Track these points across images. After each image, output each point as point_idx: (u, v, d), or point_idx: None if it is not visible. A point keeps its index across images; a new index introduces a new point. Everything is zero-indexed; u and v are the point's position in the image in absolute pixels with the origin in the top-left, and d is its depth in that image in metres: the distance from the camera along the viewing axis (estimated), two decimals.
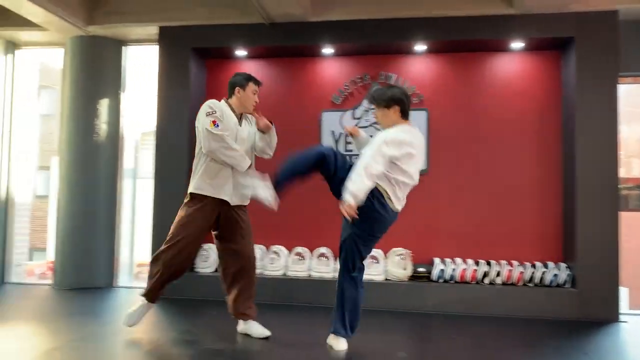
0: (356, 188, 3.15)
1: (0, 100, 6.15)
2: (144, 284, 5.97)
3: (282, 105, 5.73)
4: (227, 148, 3.47)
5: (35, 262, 8.18)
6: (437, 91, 5.51)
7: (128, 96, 6.17)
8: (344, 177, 3.29)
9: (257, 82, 3.77)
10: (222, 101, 3.71)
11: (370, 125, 5.52)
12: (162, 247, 3.61)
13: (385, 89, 3.52)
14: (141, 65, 6.65)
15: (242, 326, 3.77)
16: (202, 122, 3.52)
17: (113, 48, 5.98)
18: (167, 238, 3.61)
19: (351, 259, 3.44)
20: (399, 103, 3.42)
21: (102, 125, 5.86)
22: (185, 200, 3.67)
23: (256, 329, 3.72)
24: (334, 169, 3.39)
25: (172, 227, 3.62)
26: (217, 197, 3.56)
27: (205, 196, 3.56)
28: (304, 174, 3.49)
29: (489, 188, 5.35)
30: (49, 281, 6.24)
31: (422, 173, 5.38)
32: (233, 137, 3.59)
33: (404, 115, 3.46)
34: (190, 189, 3.61)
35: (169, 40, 5.62)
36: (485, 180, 5.36)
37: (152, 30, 5.65)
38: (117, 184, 6.03)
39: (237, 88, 3.70)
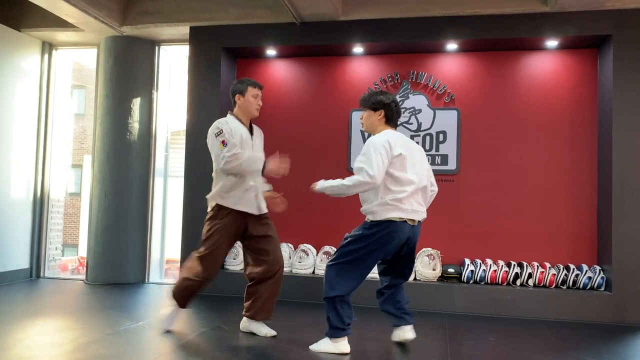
0: (332, 189, 3.38)
1: (36, 99, 6.30)
2: (173, 280, 6.10)
3: (312, 104, 5.75)
4: (240, 162, 3.49)
5: (68, 258, 8.34)
6: (468, 90, 5.44)
7: (160, 95, 6.26)
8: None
9: (256, 85, 3.72)
10: (228, 115, 3.72)
11: (401, 125, 5.48)
12: (193, 258, 3.68)
13: (376, 92, 3.53)
14: (173, 65, 6.74)
15: (247, 324, 3.78)
16: (212, 144, 3.59)
17: (146, 48, 6.08)
18: (198, 251, 3.66)
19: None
20: (384, 108, 3.44)
21: (135, 124, 5.96)
22: (210, 213, 3.69)
23: (264, 328, 3.74)
24: None
25: (201, 241, 3.67)
26: (240, 209, 3.60)
27: (228, 208, 3.60)
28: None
29: (521, 188, 5.27)
30: (82, 276, 6.38)
31: (453, 173, 5.37)
32: (248, 147, 3.64)
33: (388, 121, 3.47)
34: (213, 202, 3.65)
35: (200, 40, 5.68)
36: (517, 181, 5.28)
37: (184, 30, 5.72)
38: (149, 182, 6.13)
39: (237, 95, 3.70)
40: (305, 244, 5.51)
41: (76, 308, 4.88)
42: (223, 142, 3.49)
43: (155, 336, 3.78)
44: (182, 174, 5.73)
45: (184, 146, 5.74)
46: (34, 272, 6.29)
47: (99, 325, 4.02)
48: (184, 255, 5.57)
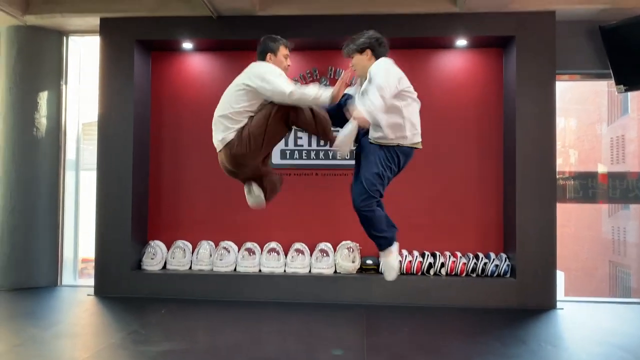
0: (373, 107, 3.09)
1: None
2: (88, 280, 5.88)
3: None
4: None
5: None
6: None
7: (70, 87, 5.96)
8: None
9: (287, 45, 3.46)
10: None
11: None
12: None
13: (354, 37, 3.41)
14: (84, 55, 6.41)
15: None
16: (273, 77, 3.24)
17: (53, 39, 5.74)
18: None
19: (381, 184, 3.37)
20: (370, 47, 3.39)
21: (42, 119, 5.64)
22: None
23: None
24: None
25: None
26: None
27: None
28: None
29: (433, 181, 5.50)
30: None
31: None
32: None
33: (378, 56, 3.41)
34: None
35: (111, 31, 5.44)
36: (430, 174, 5.50)
37: (94, 21, 5.45)
38: (59, 178, 5.83)
39: (268, 54, 3.39)
40: (226, 241, 5.48)
41: None
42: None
43: (68, 346, 3.65)
44: (95, 167, 5.51)
45: (96, 137, 5.51)
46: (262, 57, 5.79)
47: (5, 335, 3.82)
48: (100, 253, 5.38)
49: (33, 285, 5.57)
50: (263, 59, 3.41)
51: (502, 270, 5.12)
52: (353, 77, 3.48)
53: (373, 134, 3.29)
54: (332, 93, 3.24)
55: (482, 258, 5.19)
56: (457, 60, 5.57)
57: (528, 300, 4.99)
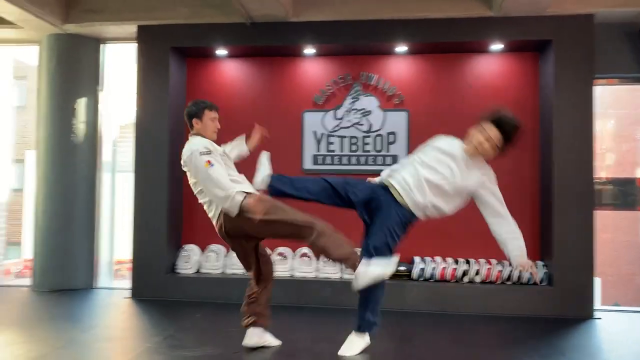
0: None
1: None
2: (123, 282, 6.01)
3: (264, 105, 5.73)
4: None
5: (12, 261, 8.04)
6: (417, 92, 5.55)
7: (106, 91, 6.09)
8: (364, 197, 3.40)
9: (212, 108, 3.54)
10: (197, 137, 3.49)
11: (352, 126, 5.56)
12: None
13: (510, 116, 3.34)
14: (119, 61, 6.55)
15: (260, 334, 3.64)
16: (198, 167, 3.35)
17: (90, 46, 5.89)
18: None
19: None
20: (508, 141, 3.38)
21: (80, 124, 5.78)
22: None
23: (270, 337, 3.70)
24: (343, 193, 3.47)
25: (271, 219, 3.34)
26: None
27: None
28: (300, 194, 3.52)
29: None
30: (28, 282, 6.17)
31: None
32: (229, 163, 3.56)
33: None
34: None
35: (148, 39, 5.55)
36: None
37: (131, 28, 5.57)
38: (95, 182, 5.98)
39: (194, 120, 3.49)
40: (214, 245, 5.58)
41: (23, 319, 4.72)
42: (209, 161, 3.33)
43: (106, 348, 3.72)
44: (131, 168, 5.62)
45: (132, 140, 5.62)
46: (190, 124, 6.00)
47: (47, 337, 3.92)
48: (136, 257, 5.47)
49: (71, 287, 5.71)
50: (190, 125, 3.52)
51: (538, 278, 5.03)
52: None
53: (415, 198, 3.26)
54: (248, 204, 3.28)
55: (517, 266, 5.10)
56: (491, 64, 5.50)
57: (565, 309, 4.89)
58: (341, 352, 3.42)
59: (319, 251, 3.37)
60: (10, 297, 5.51)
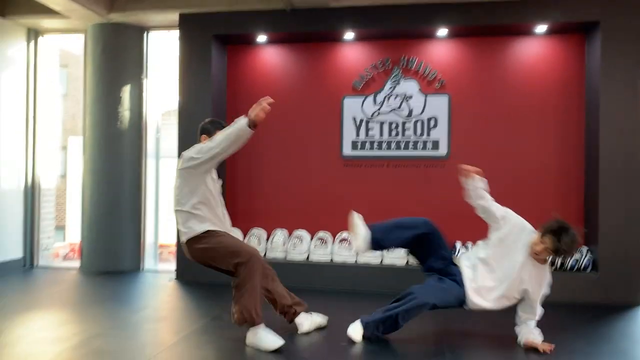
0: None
1: (23, 88, 6.23)
2: (166, 265, 6.18)
3: (303, 91, 5.76)
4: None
5: (60, 244, 8.33)
6: (459, 76, 5.49)
7: (150, 78, 6.22)
8: (441, 267, 3.62)
9: (219, 124, 3.67)
10: None
11: (392, 111, 5.54)
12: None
13: (570, 233, 3.36)
14: (162, 48, 6.66)
15: (307, 321, 3.72)
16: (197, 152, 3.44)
17: (134, 34, 6.01)
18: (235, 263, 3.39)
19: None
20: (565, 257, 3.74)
21: (125, 112, 5.92)
22: (202, 238, 3.47)
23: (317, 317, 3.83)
24: (432, 250, 3.65)
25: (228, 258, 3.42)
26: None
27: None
28: (398, 244, 3.64)
29: (510, 172, 5.37)
30: (76, 264, 6.41)
31: (443, 158, 5.45)
32: (211, 182, 3.57)
33: None
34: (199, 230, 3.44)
35: (189, 26, 5.63)
36: (507, 164, 5.38)
37: (174, 16, 5.66)
38: (141, 168, 6.13)
39: (203, 135, 3.62)
40: (299, 230, 5.59)
41: (74, 300, 4.92)
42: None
43: (156, 329, 3.85)
44: (174, 154, 5.73)
45: (175, 126, 5.73)
46: (28, 261, 6.32)
47: (99, 318, 4.07)
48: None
49: (118, 269, 5.90)
50: (198, 139, 3.65)
51: (583, 265, 4.95)
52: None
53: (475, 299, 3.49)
54: (250, 117, 3.31)
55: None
56: (535, 47, 5.38)
57: (611, 296, 4.81)
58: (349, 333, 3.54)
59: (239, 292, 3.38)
60: (60, 278, 5.72)
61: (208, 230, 3.43)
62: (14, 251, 6.14)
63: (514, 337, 3.58)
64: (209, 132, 3.62)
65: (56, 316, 4.16)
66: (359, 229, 3.53)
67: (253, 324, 3.31)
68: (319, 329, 3.78)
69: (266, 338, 3.31)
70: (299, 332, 3.68)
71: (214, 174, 3.62)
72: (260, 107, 3.31)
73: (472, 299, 3.46)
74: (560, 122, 5.31)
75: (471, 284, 3.49)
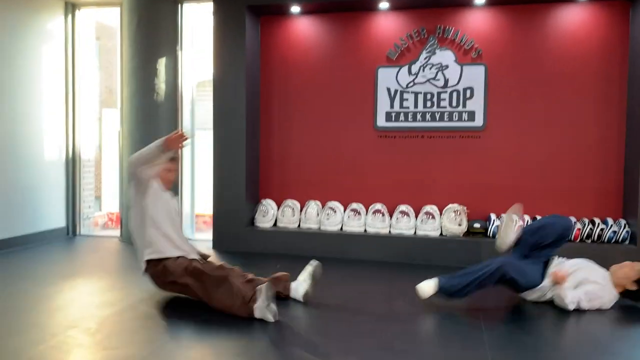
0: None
1: (61, 60, 6.36)
2: (202, 235, 6.31)
3: (337, 61, 5.73)
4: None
5: (98, 213, 8.58)
6: (496, 45, 5.38)
7: (185, 50, 6.27)
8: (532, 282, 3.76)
9: (173, 159, 3.84)
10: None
11: (427, 81, 5.48)
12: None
13: None
14: (196, 20, 6.68)
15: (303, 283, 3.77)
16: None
17: (169, 6, 6.04)
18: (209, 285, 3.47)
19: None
20: None
21: (161, 84, 6.00)
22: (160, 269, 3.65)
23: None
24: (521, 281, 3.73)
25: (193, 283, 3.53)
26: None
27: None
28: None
29: (547, 143, 5.29)
30: (116, 233, 6.61)
31: (479, 129, 5.40)
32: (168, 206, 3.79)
33: None
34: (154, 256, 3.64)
35: None
36: (544, 135, 5.30)
37: None
38: None
39: None
40: (333, 202, 5.64)
41: (117, 267, 5.10)
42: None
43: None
44: (209, 125, 5.83)
45: (210, 97, 5.79)
46: (70, 230, 6.54)
47: (142, 284, 4.20)
48: (217, 211, 5.74)
49: None
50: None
51: (621, 237, 4.90)
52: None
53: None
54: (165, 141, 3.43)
55: (598, 224, 4.98)
56: (575, 15, 5.22)
57: None
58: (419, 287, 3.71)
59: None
60: (102, 246, 5.93)
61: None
62: (58, 220, 6.37)
63: (552, 317, 3.58)
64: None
65: (101, 282, 4.33)
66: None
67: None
68: (316, 277, 3.75)
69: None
70: (302, 294, 3.69)
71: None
72: (179, 138, 3.46)
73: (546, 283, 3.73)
74: (601, 93, 5.18)
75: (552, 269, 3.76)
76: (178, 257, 3.64)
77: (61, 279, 4.40)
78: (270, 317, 3.26)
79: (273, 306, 3.27)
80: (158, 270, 3.64)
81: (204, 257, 3.88)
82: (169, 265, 3.59)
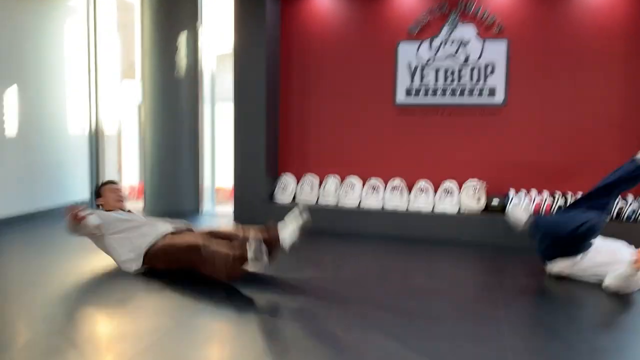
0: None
1: (84, 34, 6.43)
2: (224, 208, 6.43)
3: (357, 36, 5.71)
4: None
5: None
6: (518, 20, 5.30)
7: (204, 24, 6.29)
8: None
9: (107, 183, 4.23)
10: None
11: (448, 57, 5.44)
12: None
13: None
14: None
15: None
16: None
17: None
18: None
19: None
20: None
21: (182, 60, 6.04)
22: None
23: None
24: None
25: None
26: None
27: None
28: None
29: (569, 119, 5.25)
30: (139, 205, 6.75)
31: (500, 105, 5.37)
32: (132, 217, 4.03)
33: None
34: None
35: None
36: (566, 112, 5.25)
37: None
38: (197, 113, 6.32)
39: (98, 199, 4.18)
40: (351, 177, 5.69)
41: None
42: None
43: None
44: (229, 97, 5.88)
45: (229, 69, 5.82)
46: (94, 203, 6.69)
47: None
48: (238, 185, 5.83)
49: (178, 211, 6.20)
50: (97, 205, 4.18)
51: None
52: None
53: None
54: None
55: (618, 201, 4.96)
56: None
57: None
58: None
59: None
60: None
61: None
62: (82, 193, 6.53)
63: (570, 295, 3.62)
64: (98, 194, 4.21)
65: None
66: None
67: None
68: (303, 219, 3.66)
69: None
70: (289, 245, 3.59)
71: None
72: (72, 217, 3.63)
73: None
74: (626, 68, 5.10)
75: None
76: (156, 242, 3.79)
77: (90, 250, 4.54)
78: (261, 267, 3.48)
79: (264, 257, 3.29)
80: (151, 259, 3.79)
81: (181, 230, 3.99)
82: (153, 252, 3.76)
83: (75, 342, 2.56)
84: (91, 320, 2.92)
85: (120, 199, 4.18)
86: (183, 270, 3.72)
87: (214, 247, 3.50)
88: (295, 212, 3.64)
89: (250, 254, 3.27)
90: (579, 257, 3.78)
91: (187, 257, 3.62)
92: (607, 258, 3.72)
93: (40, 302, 3.21)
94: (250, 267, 3.41)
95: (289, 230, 3.56)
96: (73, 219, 3.64)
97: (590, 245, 3.81)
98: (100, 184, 4.31)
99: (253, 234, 3.43)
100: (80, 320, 2.92)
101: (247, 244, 3.31)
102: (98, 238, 3.91)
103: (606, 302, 3.45)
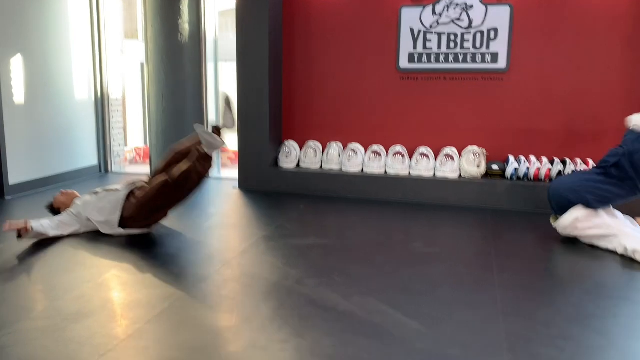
0: None
1: (87, 1, 6.42)
2: (228, 172, 6.53)
3: (360, 1, 5.67)
4: None
5: (126, 149, 8.86)
6: None
7: None
8: None
9: (52, 201, 4.33)
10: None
11: (451, 22, 5.42)
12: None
13: None
14: None
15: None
16: None
17: None
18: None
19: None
20: None
21: (185, 24, 6.03)
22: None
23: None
24: None
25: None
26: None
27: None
28: None
29: (570, 85, 5.28)
30: (145, 169, 6.88)
31: (502, 71, 5.39)
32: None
33: None
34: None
35: None
36: (568, 78, 5.27)
37: None
38: (202, 79, 6.36)
39: (58, 211, 4.27)
40: (354, 143, 5.77)
41: None
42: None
43: (228, 235, 4.25)
44: (232, 57, 5.89)
45: (232, 28, 5.82)
46: (102, 168, 6.83)
47: (174, 221, 4.48)
48: (242, 151, 5.92)
49: None
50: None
51: None
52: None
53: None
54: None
55: None
56: None
57: None
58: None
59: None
60: None
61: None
62: (90, 158, 6.65)
63: (565, 261, 3.75)
64: (56, 211, 4.29)
65: None
66: None
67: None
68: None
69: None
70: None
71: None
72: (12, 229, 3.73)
73: None
74: (629, 34, 5.09)
75: None
76: (124, 205, 4.01)
77: None
78: (219, 141, 3.92)
79: (217, 138, 3.92)
80: (131, 216, 3.99)
81: (139, 183, 4.21)
82: (130, 214, 3.97)
83: (91, 309, 2.72)
84: (105, 288, 3.08)
85: (69, 194, 4.33)
86: (173, 208, 4.11)
87: (178, 171, 3.84)
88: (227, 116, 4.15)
89: (205, 148, 3.85)
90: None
91: (163, 195, 3.91)
92: (615, 227, 3.85)
93: (52, 270, 3.36)
94: (211, 151, 3.93)
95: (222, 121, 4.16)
96: (18, 234, 3.78)
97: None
98: (48, 205, 4.35)
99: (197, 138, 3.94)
100: (94, 288, 3.07)
101: (198, 145, 3.86)
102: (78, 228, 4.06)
103: (599, 269, 3.58)
